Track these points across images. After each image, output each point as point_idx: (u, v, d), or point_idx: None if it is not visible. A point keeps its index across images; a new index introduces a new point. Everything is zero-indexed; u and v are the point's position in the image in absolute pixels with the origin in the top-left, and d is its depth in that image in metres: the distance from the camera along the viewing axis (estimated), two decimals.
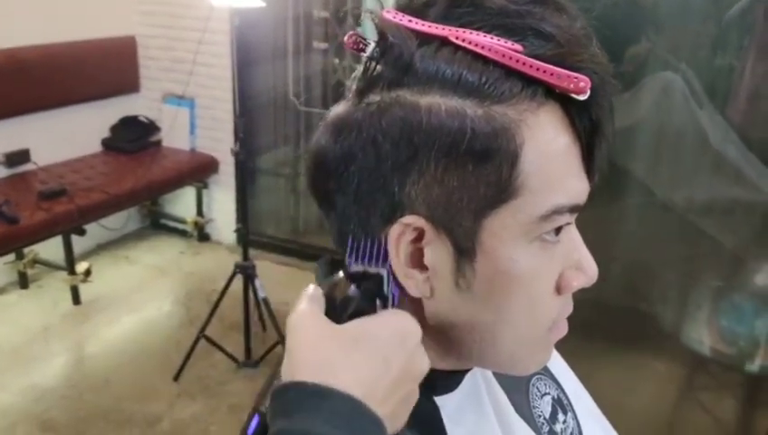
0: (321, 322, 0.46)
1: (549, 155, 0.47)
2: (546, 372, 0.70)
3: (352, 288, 0.49)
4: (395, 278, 0.50)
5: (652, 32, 2.29)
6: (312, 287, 0.49)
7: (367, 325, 0.46)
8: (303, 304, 0.47)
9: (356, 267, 0.50)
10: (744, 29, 2.17)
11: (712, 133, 2.15)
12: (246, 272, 2.62)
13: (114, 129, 3.61)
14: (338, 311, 0.48)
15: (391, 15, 0.50)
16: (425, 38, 0.48)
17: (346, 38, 0.52)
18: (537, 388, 0.68)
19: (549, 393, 0.69)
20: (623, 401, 2.13)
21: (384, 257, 0.50)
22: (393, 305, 0.50)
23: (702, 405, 2.26)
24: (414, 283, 0.50)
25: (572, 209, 0.49)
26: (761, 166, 2.07)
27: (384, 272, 0.50)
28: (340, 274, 0.51)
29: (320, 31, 3.39)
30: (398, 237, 0.49)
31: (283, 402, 0.43)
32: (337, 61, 3.37)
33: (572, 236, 0.53)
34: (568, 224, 0.51)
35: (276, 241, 3.66)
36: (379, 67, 0.49)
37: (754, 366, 2.13)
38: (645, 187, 2.28)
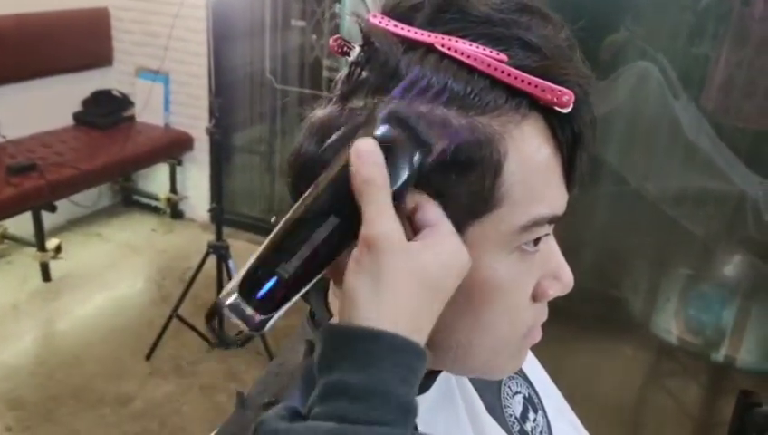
0: (412, 258, 0.43)
1: (531, 166, 0.48)
2: (518, 370, 0.71)
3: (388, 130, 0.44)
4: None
5: (630, 20, 2.30)
6: (377, 156, 0.43)
7: (444, 267, 0.44)
8: (391, 220, 0.43)
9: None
10: (720, 17, 2.18)
11: (686, 123, 2.18)
12: (220, 252, 2.61)
13: (86, 102, 3.54)
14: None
15: (377, 20, 0.49)
16: (410, 44, 0.48)
17: (331, 41, 0.51)
18: (509, 387, 0.69)
19: (520, 392, 0.70)
20: (591, 384, 2.17)
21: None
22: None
23: (667, 390, 2.31)
24: None
25: (552, 220, 0.50)
26: (732, 157, 2.10)
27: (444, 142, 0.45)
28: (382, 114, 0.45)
29: (298, 8, 3.35)
30: None
31: (360, 351, 0.41)
32: (315, 37, 3.34)
33: (550, 244, 0.53)
34: (547, 234, 0.51)
35: (250, 220, 3.64)
36: (364, 73, 0.49)
37: (719, 356, 2.19)
38: (619, 175, 2.30)
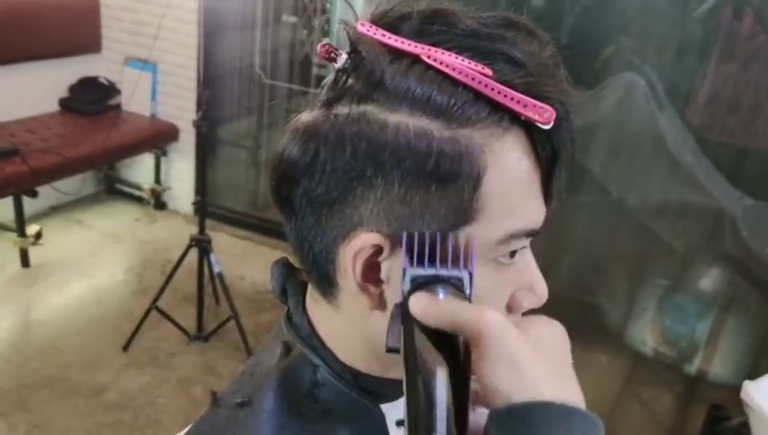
0: (524, 337, 0.43)
1: (510, 181, 0.48)
2: None
3: (440, 292, 0.46)
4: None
5: (619, 32, 2.32)
6: (428, 298, 0.45)
7: (553, 337, 0.46)
8: (496, 314, 0.42)
9: (420, 271, 0.47)
10: (708, 32, 2.21)
11: (669, 137, 2.20)
12: (202, 246, 2.60)
13: (72, 89, 3.51)
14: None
15: (365, 29, 0.50)
16: (397, 54, 0.49)
17: (318, 48, 0.52)
18: None
19: None
20: None
21: (465, 259, 0.47)
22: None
23: (640, 399, 2.33)
24: (368, 297, 0.51)
25: (529, 234, 0.51)
26: (714, 172, 2.13)
27: (465, 274, 0.47)
28: (407, 284, 0.47)
29: (289, 4, 3.35)
30: (355, 253, 0.50)
31: (529, 425, 0.39)
32: (306, 33, 3.34)
33: (526, 258, 0.54)
34: (523, 247, 0.52)
35: (234, 214, 3.63)
36: (350, 80, 0.49)
37: (692, 368, 2.22)
38: (601, 185, 2.32)
